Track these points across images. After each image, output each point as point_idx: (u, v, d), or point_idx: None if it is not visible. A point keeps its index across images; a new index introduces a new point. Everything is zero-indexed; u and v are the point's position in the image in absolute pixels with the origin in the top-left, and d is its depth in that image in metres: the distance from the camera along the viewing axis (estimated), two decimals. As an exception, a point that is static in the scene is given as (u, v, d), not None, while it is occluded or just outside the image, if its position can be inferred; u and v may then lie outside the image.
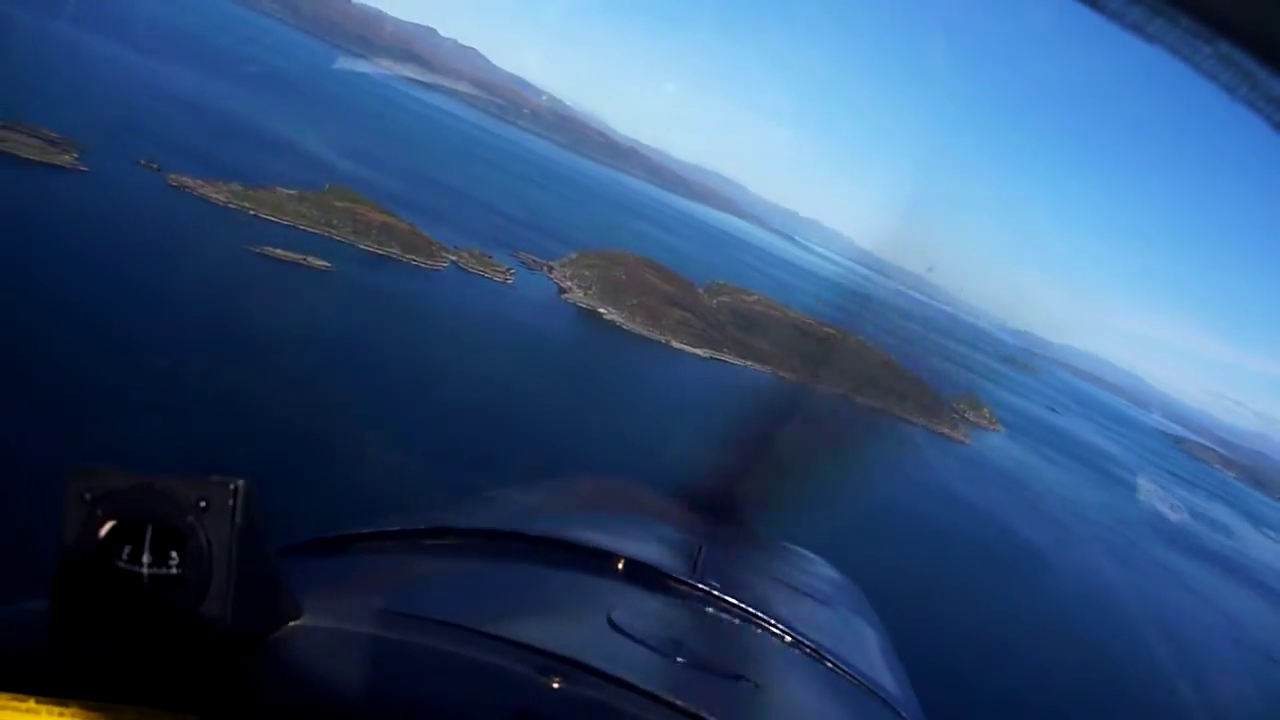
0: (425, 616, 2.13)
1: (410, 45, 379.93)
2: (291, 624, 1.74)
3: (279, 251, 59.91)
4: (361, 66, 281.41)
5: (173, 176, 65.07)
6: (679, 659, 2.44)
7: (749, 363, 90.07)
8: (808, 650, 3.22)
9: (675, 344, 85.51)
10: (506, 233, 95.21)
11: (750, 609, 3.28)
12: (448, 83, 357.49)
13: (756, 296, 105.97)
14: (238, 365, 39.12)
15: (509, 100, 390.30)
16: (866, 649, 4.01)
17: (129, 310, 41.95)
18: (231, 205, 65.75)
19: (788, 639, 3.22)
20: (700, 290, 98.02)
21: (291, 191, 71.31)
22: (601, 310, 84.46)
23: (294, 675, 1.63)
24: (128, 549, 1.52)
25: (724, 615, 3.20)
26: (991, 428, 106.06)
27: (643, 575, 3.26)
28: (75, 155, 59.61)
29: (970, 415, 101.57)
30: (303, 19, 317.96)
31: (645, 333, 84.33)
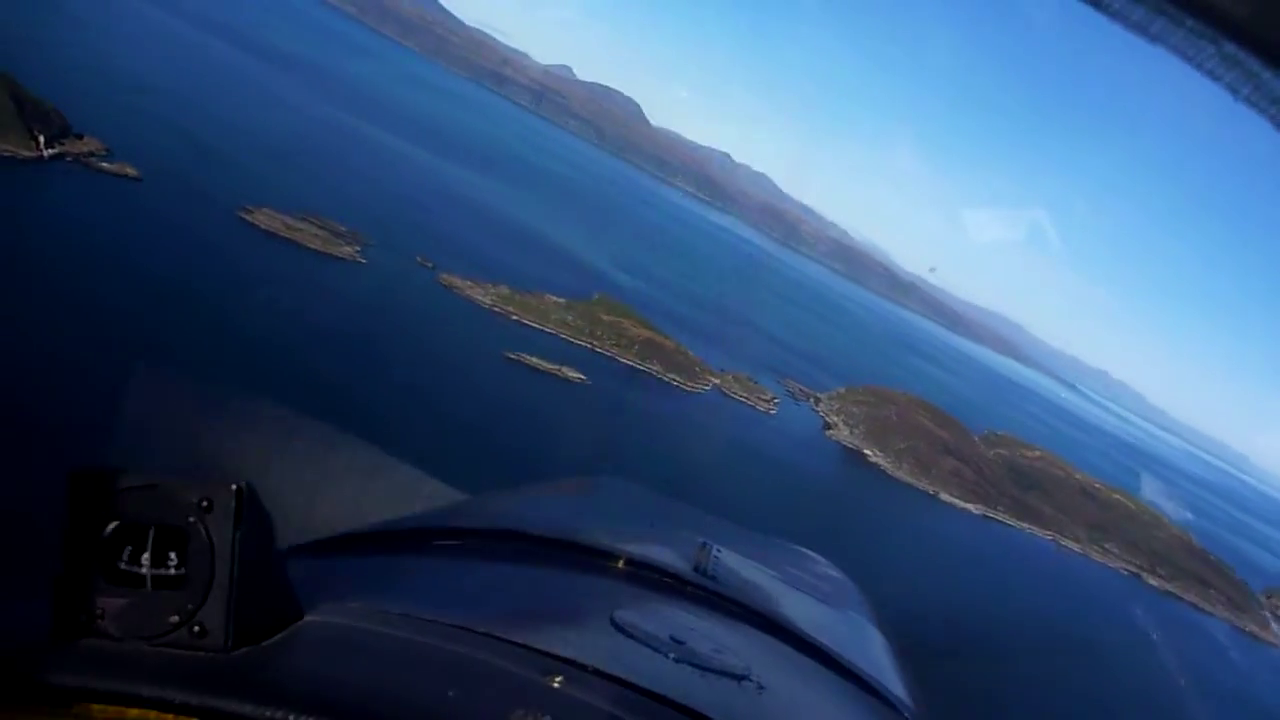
0: (428, 617, 2.12)
1: (704, 168, 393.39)
2: (294, 624, 1.75)
3: (535, 360, 58.81)
4: (654, 185, 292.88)
5: (444, 276, 65.74)
6: (681, 659, 2.44)
7: (1026, 525, 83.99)
8: (810, 650, 3.20)
9: (945, 497, 79.07)
10: (775, 359, 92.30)
11: (752, 608, 3.28)
12: (736, 206, 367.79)
13: (1038, 452, 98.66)
14: (476, 476, 36.75)
15: (794, 227, 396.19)
16: (868, 648, 3.93)
17: (382, 406, 40.88)
18: (496, 309, 65.71)
19: (790, 638, 3.20)
20: (976, 439, 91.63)
21: (559, 299, 70.96)
22: (867, 451, 79.54)
23: (296, 675, 1.64)
24: (130, 549, 1.55)
25: (726, 615, 3.17)
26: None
27: (645, 575, 3.26)
28: (357, 249, 61.27)
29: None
30: (606, 140, 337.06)
31: (912, 481, 78.48)
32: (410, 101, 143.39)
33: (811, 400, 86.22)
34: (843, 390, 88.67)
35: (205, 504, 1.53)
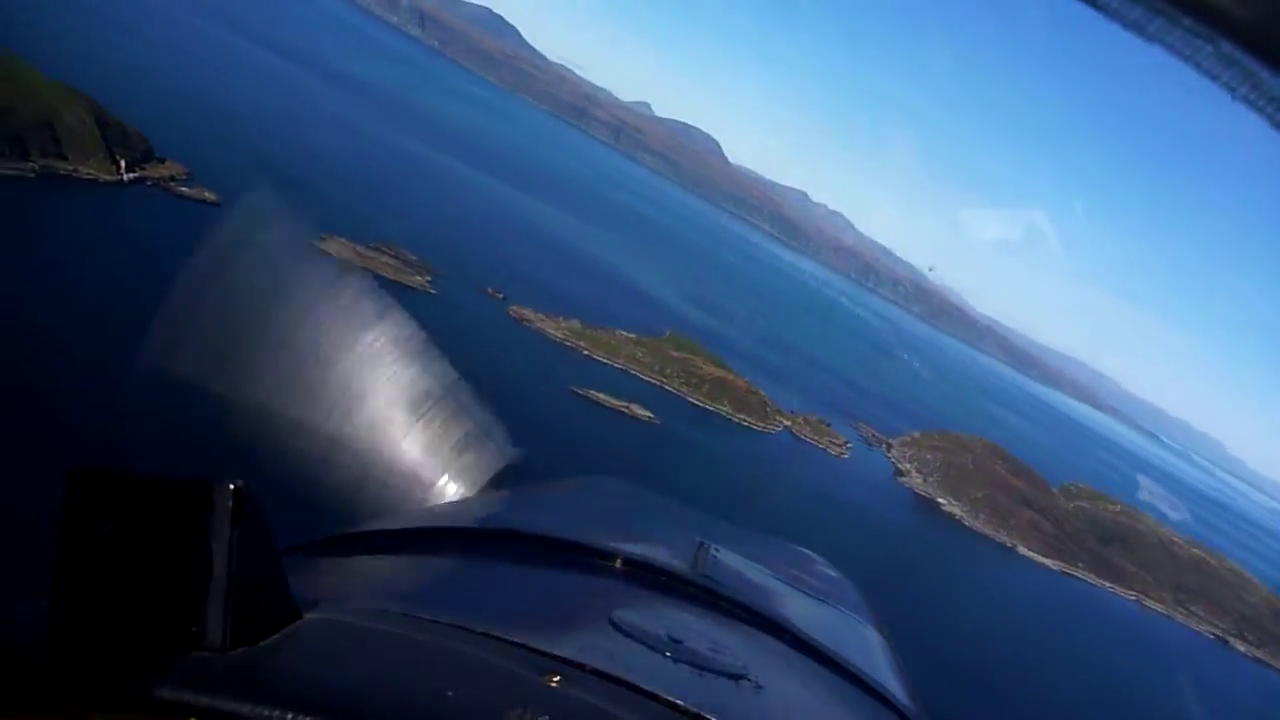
0: (426, 617, 2.13)
1: (781, 206, 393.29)
2: (291, 624, 1.76)
3: (603, 396, 58.04)
4: (729, 221, 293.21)
5: (514, 308, 65.44)
6: (680, 659, 2.44)
7: (1107, 583, 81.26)
8: (809, 649, 3.21)
9: (1022, 550, 76.42)
10: (848, 401, 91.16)
11: (751, 608, 3.28)
12: (811, 244, 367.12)
13: (1120, 507, 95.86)
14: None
15: (869, 266, 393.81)
16: (867, 648, 3.91)
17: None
18: (567, 343, 65.22)
19: (789, 638, 3.21)
20: (1055, 491, 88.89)
21: (630, 335, 70.31)
22: (941, 500, 77.43)
23: (294, 675, 1.65)
24: (128, 549, 1.55)
25: (725, 615, 3.17)
26: None
27: (643, 575, 3.26)
28: (428, 278, 61.04)
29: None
30: (683, 175, 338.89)
31: (988, 532, 76.00)
32: (488, 133, 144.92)
33: (884, 445, 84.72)
34: (916, 435, 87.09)
35: (203, 504, 1.54)
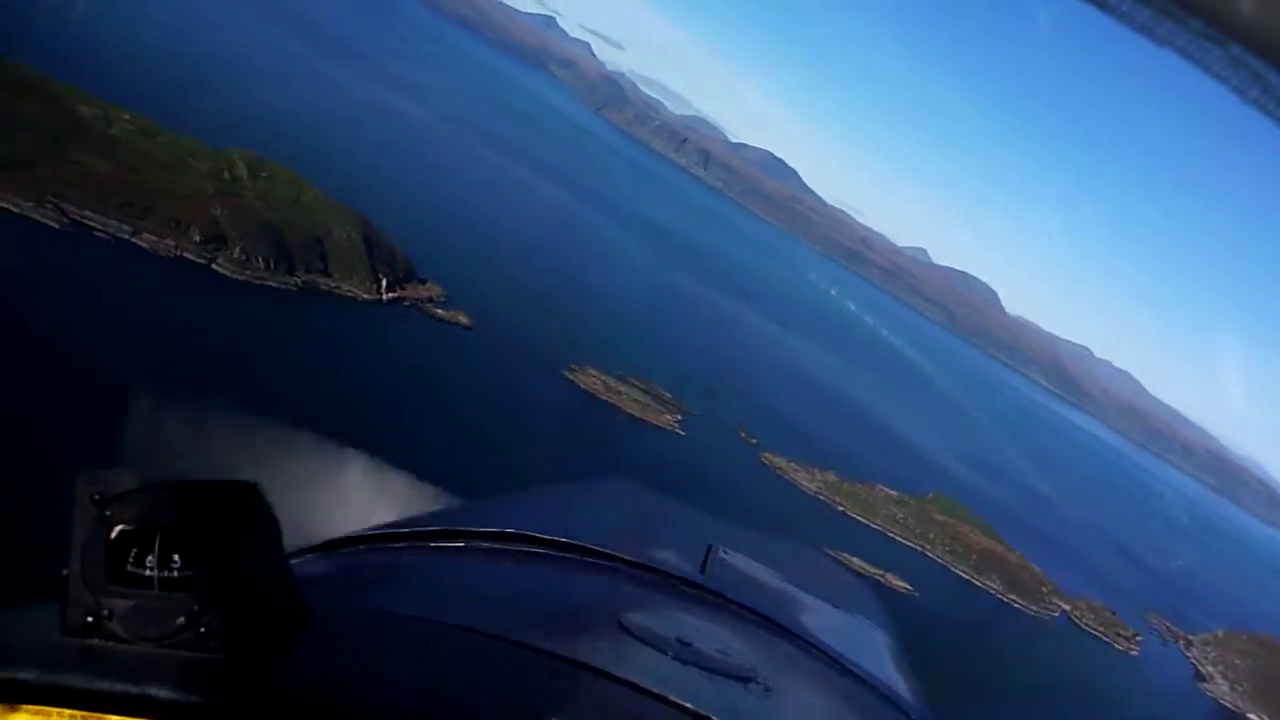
0: (434, 619, 2.17)
1: (1061, 362, 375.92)
2: (300, 627, 1.75)
3: (856, 561, 53.26)
4: (1006, 374, 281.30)
5: (767, 454, 62.12)
6: (688, 662, 2.46)
7: None
8: (818, 653, 3.22)
9: (1358, 793, 64.57)
10: (1137, 586, 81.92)
11: (760, 611, 3.28)
12: (1093, 403, 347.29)
13: None
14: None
15: (1159, 431, 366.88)
16: (876, 651, 3.94)
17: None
18: (821, 496, 61.23)
19: (798, 641, 3.22)
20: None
21: (890, 492, 65.65)
22: (1251, 717, 66.99)
23: (302, 677, 1.66)
24: (137, 551, 1.56)
25: (733, 618, 3.17)
26: None
27: (651, 577, 3.28)
28: (677, 417, 58.88)
29: None
30: (956, 323, 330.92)
31: (1314, 764, 64.90)
32: (758, 271, 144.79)
33: (1181, 642, 76.00)
34: (1221, 634, 77.55)
35: (213, 506, 1.55)
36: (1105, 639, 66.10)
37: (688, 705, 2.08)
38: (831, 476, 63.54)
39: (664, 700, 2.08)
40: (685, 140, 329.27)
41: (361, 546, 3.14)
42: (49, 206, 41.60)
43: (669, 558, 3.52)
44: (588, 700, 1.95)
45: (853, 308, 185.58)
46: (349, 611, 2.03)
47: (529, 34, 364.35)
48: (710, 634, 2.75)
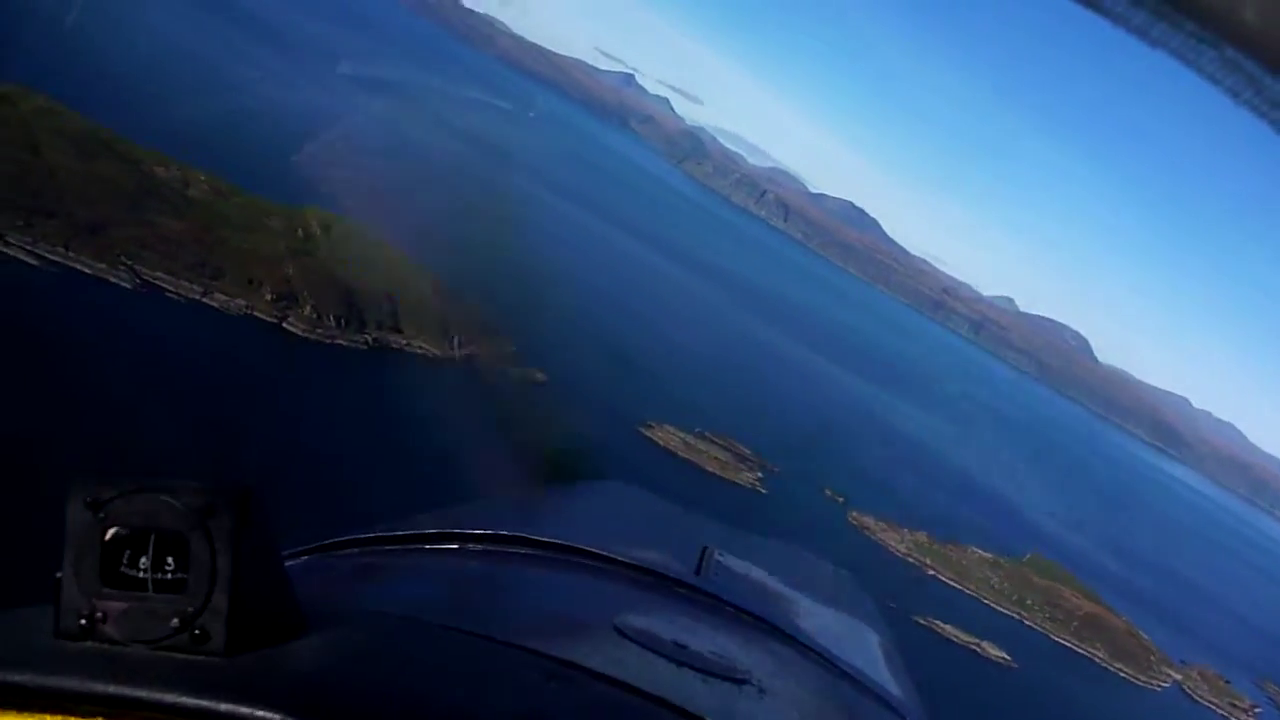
0: (430, 622, 2.19)
1: (1157, 411, 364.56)
2: (295, 629, 1.75)
3: (949, 629, 51.39)
4: (1102, 427, 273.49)
5: (855, 514, 60.22)
6: (685, 664, 2.49)
7: None
8: (814, 654, 3.25)
9: None
10: (1252, 653, 77.42)
11: (756, 613, 3.32)
12: (1194, 454, 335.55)
13: None
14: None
15: (1265, 484, 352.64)
16: (872, 653, 4.00)
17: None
18: (911, 558, 59.13)
19: (794, 643, 3.25)
20: None
21: (984, 554, 63.19)
22: None
23: (297, 680, 1.65)
24: (131, 554, 1.57)
25: (729, 619, 3.21)
26: None
27: (647, 579, 3.31)
28: (758, 475, 57.34)
29: None
30: (1047, 374, 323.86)
31: None
32: (839, 324, 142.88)
33: None
34: None
35: (208, 508, 1.55)
36: (1220, 711, 62.90)
37: (685, 708, 2.08)
38: (922, 537, 61.56)
39: (659, 702, 2.08)
40: (765, 192, 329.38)
41: (356, 549, 3.17)
42: (122, 268, 41.63)
43: (664, 559, 3.53)
44: (583, 702, 1.94)
45: (939, 359, 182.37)
46: (344, 614, 1.98)
47: (609, 91, 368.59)
48: (705, 636, 2.77)
